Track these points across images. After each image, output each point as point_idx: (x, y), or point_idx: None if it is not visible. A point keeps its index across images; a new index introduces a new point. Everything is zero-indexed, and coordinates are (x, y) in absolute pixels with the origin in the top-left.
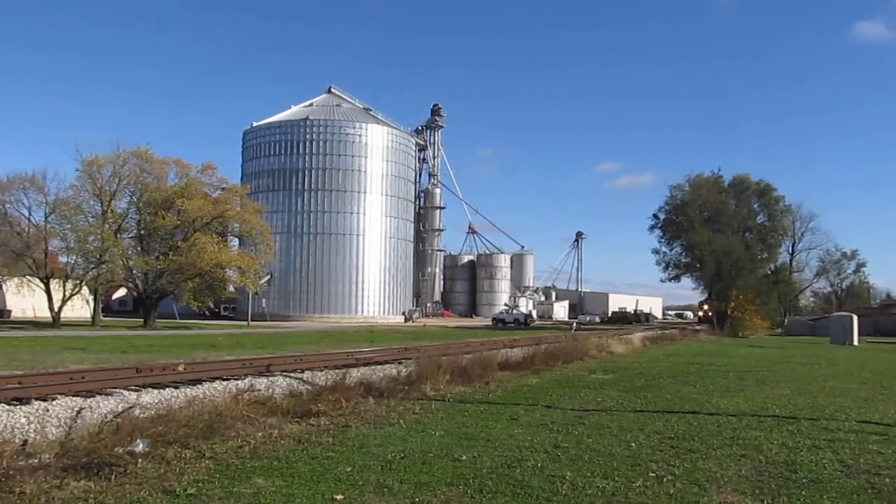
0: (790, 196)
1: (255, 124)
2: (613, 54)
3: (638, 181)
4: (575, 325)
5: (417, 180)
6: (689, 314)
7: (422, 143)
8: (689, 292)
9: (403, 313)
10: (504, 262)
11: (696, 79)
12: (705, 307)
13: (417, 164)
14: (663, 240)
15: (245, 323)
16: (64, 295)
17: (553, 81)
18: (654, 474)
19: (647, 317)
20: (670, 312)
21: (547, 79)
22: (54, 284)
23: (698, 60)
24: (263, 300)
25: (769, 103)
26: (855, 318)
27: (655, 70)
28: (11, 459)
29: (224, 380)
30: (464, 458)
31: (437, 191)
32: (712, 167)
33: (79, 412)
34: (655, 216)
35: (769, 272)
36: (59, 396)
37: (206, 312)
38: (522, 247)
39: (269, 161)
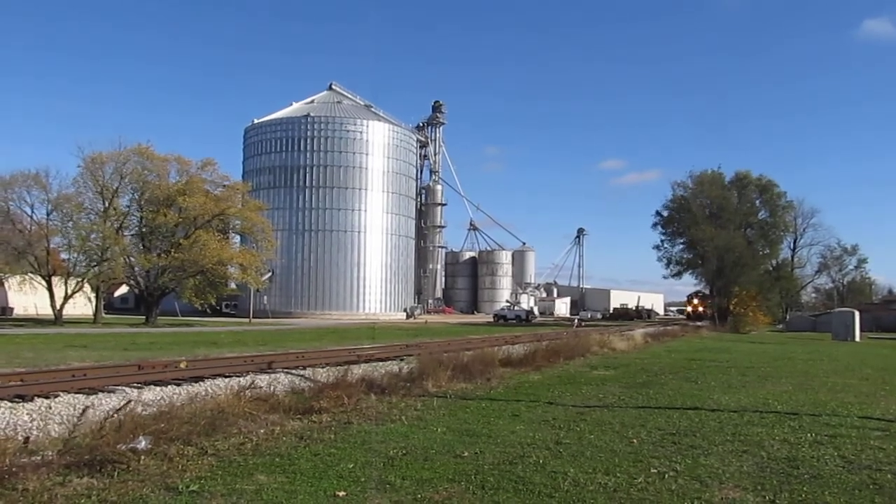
0: (793, 192)
1: (256, 121)
2: (619, 52)
3: (643, 178)
4: (577, 321)
5: (419, 177)
6: None
7: (423, 139)
8: (691, 288)
9: (405, 310)
10: (505, 258)
11: (702, 76)
12: (695, 301)
13: (419, 161)
14: (666, 236)
15: (247, 320)
16: (66, 292)
17: (559, 78)
18: (655, 470)
19: (649, 313)
20: (672, 309)
21: (553, 76)
22: (56, 282)
23: (705, 58)
24: (265, 297)
25: (774, 100)
26: (856, 313)
27: (661, 67)
28: (14, 456)
29: (226, 377)
30: (465, 454)
31: (439, 187)
32: (717, 164)
33: (84, 410)
34: (658, 213)
35: (771, 268)
36: (61, 394)
37: (208, 310)
38: (524, 243)
39: (271, 158)
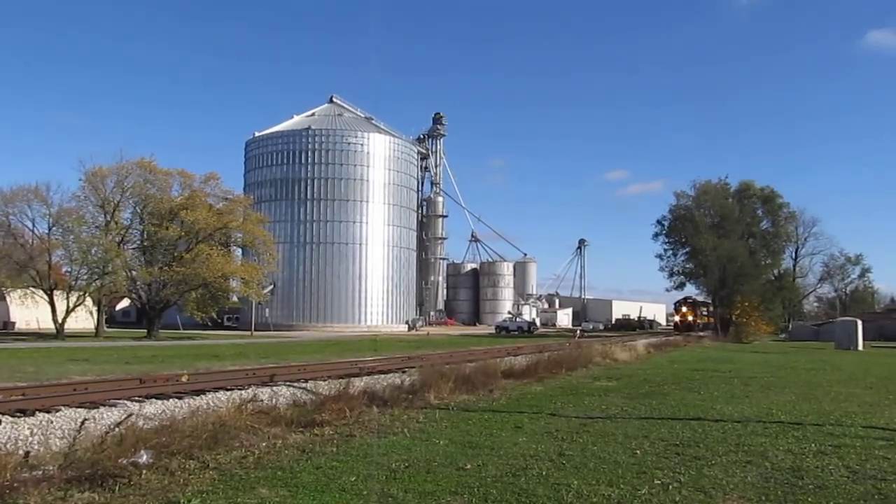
0: (798, 200)
1: (257, 134)
2: (623, 61)
3: (647, 189)
4: (579, 332)
5: (420, 189)
6: None
7: (424, 151)
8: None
9: (407, 322)
10: (507, 269)
11: (706, 85)
12: (683, 310)
13: (420, 173)
14: (668, 246)
15: (248, 333)
16: (67, 306)
17: (563, 89)
18: (659, 482)
19: (651, 324)
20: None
21: (557, 86)
22: (58, 296)
23: (709, 67)
24: (267, 310)
25: (779, 109)
26: (859, 322)
27: (666, 76)
28: (15, 471)
29: (227, 390)
30: (468, 466)
31: (440, 199)
32: (721, 174)
33: (83, 423)
34: (659, 223)
35: (773, 278)
36: (62, 408)
37: (210, 323)
38: (525, 254)
39: (272, 171)
